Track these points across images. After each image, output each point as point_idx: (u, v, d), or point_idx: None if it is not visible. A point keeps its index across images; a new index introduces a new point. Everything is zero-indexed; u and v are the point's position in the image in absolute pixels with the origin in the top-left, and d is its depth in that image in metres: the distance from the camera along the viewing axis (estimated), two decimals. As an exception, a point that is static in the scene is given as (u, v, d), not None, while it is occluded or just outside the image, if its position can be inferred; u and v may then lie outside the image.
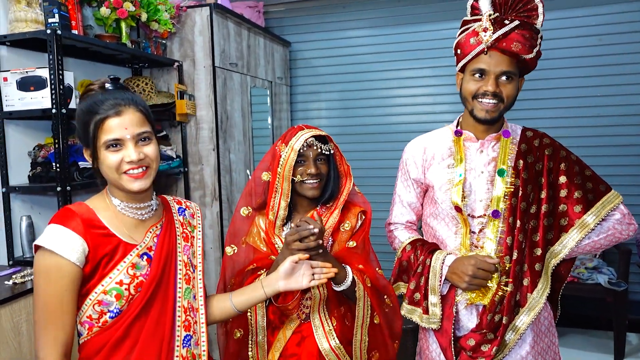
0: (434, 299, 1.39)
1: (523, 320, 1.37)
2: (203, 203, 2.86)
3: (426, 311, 1.40)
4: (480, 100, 1.35)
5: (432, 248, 1.45)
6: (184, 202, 1.31)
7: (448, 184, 1.43)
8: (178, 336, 1.13)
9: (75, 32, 2.07)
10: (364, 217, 1.47)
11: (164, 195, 1.28)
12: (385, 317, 1.47)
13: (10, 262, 2.07)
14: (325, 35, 3.84)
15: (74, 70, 2.37)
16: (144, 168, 1.09)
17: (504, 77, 1.33)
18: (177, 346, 1.12)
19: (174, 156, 2.74)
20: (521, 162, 1.39)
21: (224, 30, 2.85)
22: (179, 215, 1.25)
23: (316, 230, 1.27)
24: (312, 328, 1.39)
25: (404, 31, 3.67)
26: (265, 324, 1.40)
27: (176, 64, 2.71)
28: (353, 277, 1.37)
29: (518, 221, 1.37)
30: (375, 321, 1.44)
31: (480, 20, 1.34)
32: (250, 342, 1.41)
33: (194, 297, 1.19)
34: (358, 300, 1.38)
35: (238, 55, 3.02)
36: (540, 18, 1.32)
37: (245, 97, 3.12)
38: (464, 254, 1.40)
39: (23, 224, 2.07)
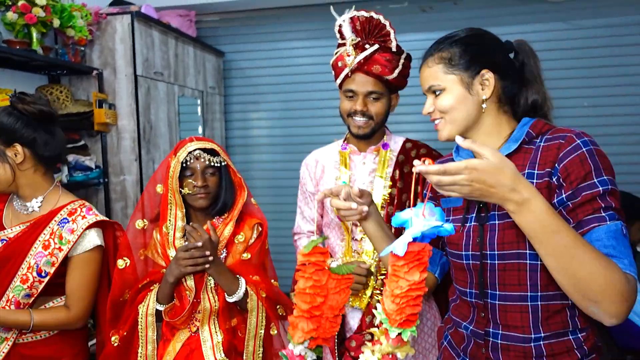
0: None
1: None
2: (125, 215, 2.78)
3: None
4: (353, 118, 1.46)
5: None
6: (79, 214, 1.39)
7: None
8: None
9: (-26, 37, 1.98)
10: (260, 228, 1.48)
11: (71, 206, 1.41)
12: (284, 327, 1.48)
13: None
14: (261, 46, 3.84)
15: (-20, 76, 2.27)
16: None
17: (371, 97, 1.43)
18: None
19: (93, 166, 2.66)
20: (397, 172, 1.48)
21: (148, 39, 2.80)
22: (57, 225, 1.37)
23: (199, 244, 1.28)
24: (200, 340, 1.38)
25: (336, 43, 3.73)
26: (155, 337, 1.38)
27: (95, 72, 2.64)
28: (246, 288, 1.38)
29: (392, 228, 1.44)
30: (272, 332, 1.46)
31: (346, 44, 1.44)
32: (139, 354, 1.38)
33: (27, 296, 1.35)
34: (250, 312, 1.39)
35: (164, 64, 2.98)
36: (394, 42, 1.41)
37: (172, 107, 3.07)
38: (347, 260, 1.46)
39: None
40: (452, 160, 1.19)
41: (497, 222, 1.02)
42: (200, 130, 3.47)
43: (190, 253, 1.31)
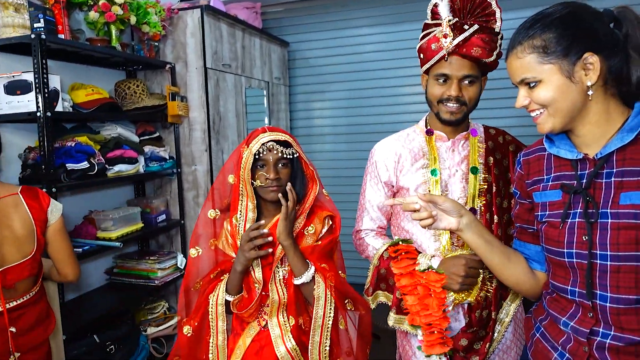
0: None
1: (507, 311, 1.41)
2: (197, 203, 2.88)
3: None
4: (445, 104, 1.38)
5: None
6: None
7: (424, 185, 1.43)
8: None
9: (61, 36, 2.11)
10: (331, 222, 1.45)
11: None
12: (353, 322, 1.45)
13: (1, 262, 2.13)
14: (325, 35, 3.82)
15: (67, 73, 2.43)
16: None
17: (466, 81, 1.35)
18: None
19: (167, 157, 2.77)
20: (491, 159, 1.42)
21: (217, 32, 2.87)
22: None
23: (261, 222, 1.30)
24: (270, 335, 1.38)
25: (406, 29, 3.62)
26: (226, 327, 1.40)
27: (168, 66, 2.74)
28: (314, 272, 1.35)
29: (495, 216, 1.40)
30: (341, 326, 1.41)
31: (440, 25, 1.34)
32: (211, 343, 1.41)
33: None
34: (317, 300, 1.35)
35: (232, 56, 3.04)
36: (499, 23, 1.32)
37: (239, 98, 3.13)
38: (446, 255, 1.39)
39: (13, 224, 2.12)
40: (543, 149, 1.11)
41: (609, 220, 0.94)
42: (266, 120, 3.52)
43: (249, 235, 1.32)
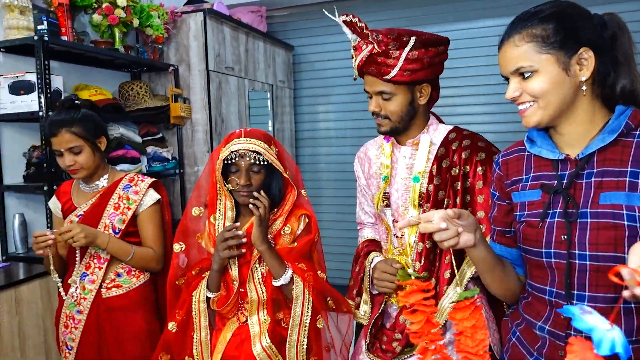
0: (365, 296, 1.44)
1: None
2: (199, 204, 2.91)
3: (358, 307, 1.45)
4: (374, 117, 1.40)
5: (371, 249, 1.48)
6: (137, 179, 1.76)
7: (377, 189, 1.45)
8: (76, 271, 1.68)
9: (64, 38, 2.17)
10: (307, 220, 1.44)
11: (129, 176, 1.77)
12: (334, 320, 1.45)
13: (4, 257, 2.18)
14: (330, 39, 3.84)
15: (72, 74, 2.49)
16: (78, 168, 1.66)
17: (382, 97, 1.36)
18: (76, 279, 1.69)
19: (170, 158, 2.81)
20: (435, 167, 1.36)
21: (219, 35, 2.91)
22: (122, 190, 1.73)
23: (237, 224, 1.32)
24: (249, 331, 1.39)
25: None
26: (207, 323, 1.42)
27: (171, 68, 2.79)
28: (292, 273, 1.36)
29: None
30: (319, 324, 1.41)
31: None
32: (195, 339, 1.43)
33: (103, 251, 1.67)
34: (295, 300, 1.36)
35: (234, 59, 3.08)
36: (374, 44, 1.29)
37: (242, 100, 3.17)
38: (389, 257, 1.43)
39: (16, 221, 2.18)
40: (522, 149, 1.09)
41: (589, 220, 0.93)
42: (270, 123, 3.55)
43: (223, 235, 1.33)
